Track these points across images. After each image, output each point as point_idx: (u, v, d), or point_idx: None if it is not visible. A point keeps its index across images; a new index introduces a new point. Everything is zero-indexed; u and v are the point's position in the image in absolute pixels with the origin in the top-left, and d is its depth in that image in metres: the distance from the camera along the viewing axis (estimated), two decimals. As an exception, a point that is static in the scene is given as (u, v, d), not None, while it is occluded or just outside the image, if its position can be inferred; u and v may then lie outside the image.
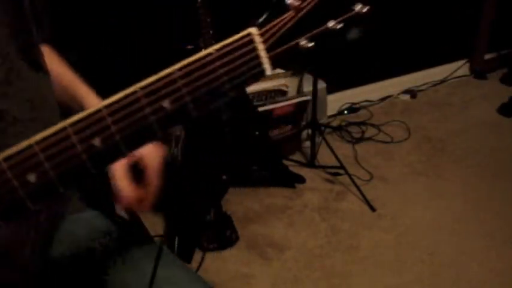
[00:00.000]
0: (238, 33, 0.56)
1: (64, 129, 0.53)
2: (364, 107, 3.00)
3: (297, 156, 2.59)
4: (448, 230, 2.13)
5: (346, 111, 2.96)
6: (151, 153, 0.87)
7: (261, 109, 2.35)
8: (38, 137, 0.52)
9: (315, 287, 1.91)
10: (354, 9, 0.58)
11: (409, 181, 2.43)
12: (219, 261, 2.00)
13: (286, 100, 2.45)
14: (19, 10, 0.73)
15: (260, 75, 0.57)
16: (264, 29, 0.56)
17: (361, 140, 2.74)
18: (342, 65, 2.81)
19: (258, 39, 0.55)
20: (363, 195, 2.28)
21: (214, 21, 1.94)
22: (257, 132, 2.22)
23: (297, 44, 0.57)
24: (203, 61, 0.54)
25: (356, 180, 2.34)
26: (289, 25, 0.56)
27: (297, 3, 0.56)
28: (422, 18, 2.99)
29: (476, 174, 2.44)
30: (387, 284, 1.90)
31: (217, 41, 0.56)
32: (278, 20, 0.56)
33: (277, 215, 2.25)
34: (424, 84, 3.20)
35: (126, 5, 2.20)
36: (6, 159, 0.52)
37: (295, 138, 2.59)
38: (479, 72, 3.31)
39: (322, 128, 2.59)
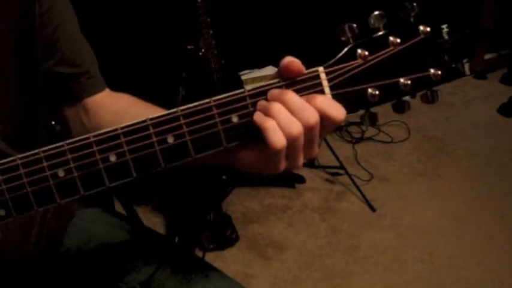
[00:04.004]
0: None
1: (144, 121, 0.60)
2: (364, 107, 3.00)
3: (297, 156, 2.58)
4: (448, 230, 2.13)
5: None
6: None
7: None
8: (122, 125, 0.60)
9: (314, 287, 1.91)
10: (428, 72, 0.62)
11: (409, 181, 2.43)
12: (219, 261, 2.00)
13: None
14: None
15: None
16: (330, 69, 0.61)
17: (361, 140, 2.74)
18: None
19: (323, 77, 0.61)
20: (363, 195, 2.28)
21: (214, 21, 1.94)
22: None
23: (365, 89, 0.61)
24: (270, 86, 0.60)
25: (356, 180, 2.34)
26: (355, 71, 0.61)
27: (365, 54, 0.60)
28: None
29: (476, 174, 2.44)
30: (387, 284, 1.90)
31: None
32: (346, 64, 0.61)
33: (277, 215, 2.25)
34: (424, 84, 3.20)
35: (126, 5, 2.20)
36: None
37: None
38: (479, 72, 3.30)
39: (322, 128, 2.59)
